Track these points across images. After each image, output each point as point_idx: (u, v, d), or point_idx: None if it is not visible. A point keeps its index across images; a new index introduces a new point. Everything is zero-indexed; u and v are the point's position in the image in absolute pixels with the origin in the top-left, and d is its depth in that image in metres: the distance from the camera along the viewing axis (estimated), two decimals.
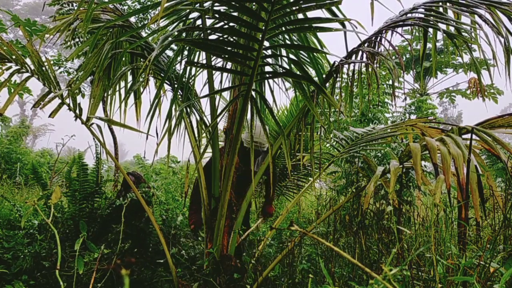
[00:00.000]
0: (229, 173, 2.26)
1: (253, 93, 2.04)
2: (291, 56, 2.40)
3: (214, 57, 2.60)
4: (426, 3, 2.05)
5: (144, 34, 3.45)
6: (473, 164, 1.43)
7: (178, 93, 2.64)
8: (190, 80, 2.47)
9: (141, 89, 2.86)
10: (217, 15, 2.04)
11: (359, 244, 1.84)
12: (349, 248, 2.17)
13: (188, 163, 2.51)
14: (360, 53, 2.12)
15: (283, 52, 2.67)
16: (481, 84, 1.95)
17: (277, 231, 2.77)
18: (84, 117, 2.39)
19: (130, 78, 2.96)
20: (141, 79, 2.78)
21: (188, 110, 2.67)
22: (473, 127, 1.59)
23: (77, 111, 2.39)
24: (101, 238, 2.71)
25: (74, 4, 4.19)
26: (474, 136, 1.56)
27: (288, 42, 2.55)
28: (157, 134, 2.26)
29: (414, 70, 12.41)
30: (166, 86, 2.79)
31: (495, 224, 1.66)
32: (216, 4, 2.00)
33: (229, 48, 2.07)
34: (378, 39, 2.07)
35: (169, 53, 3.79)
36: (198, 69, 2.61)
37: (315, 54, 2.45)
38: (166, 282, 2.60)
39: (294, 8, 1.81)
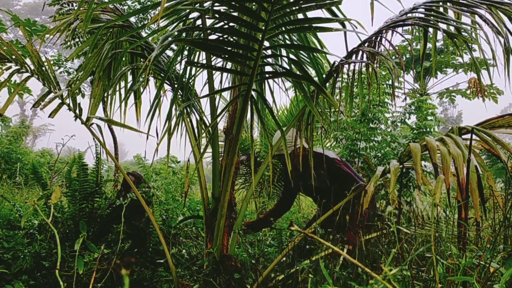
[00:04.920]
0: (229, 173, 2.26)
1: (253, 93, 2.04)
2: (291, 56, 2.40)
3: (214, 57, 2.61)
4: (426, 3, 2.05)
5: (144, 34, 3.45)
6: (473, 164, 1.42)
7: (178, 93, 2.64)
8: (190, 80, 2.47)
9: (141, 89, 2.86)
10: (217, 15, 2.04)
11: (359, 244, 1.84)
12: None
13: (188, 163, 2.51)
14: (360, 53, 2.12)
15: (283, 52, 2.67)
16: (481, 84, 1.95)
17: (277, 231, 2.77)
18: (84, 117, 2.39)
19: (130, 78, 2.96)
20: (141, 79, 2.78)
21: (188, 110, 2.67)
22: (473, 127, 1.59)
23: (77, 111, 2.39)
24: (101, 238, 2.71)
25: (74, 4, 4.19)
26: (474, 136, 1.56)
27: (288, 42, 2.55)
28: (157, 134, 2.27)
29: (414, 70, 12.41)
30: (166, 86, 2.79)
31: (495, 224, 1.66)
32: (216, 4, 2.00)
33: (229, 48, 2.07)
34: (378, 39, 2.07)
35: (169, 53, 3.79)
36: (198, 69, 2.61)
37: (315, 54, 2.45)
38: (166, 282, 2.60)
39: (294, 8, 1.81)
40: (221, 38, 2.39)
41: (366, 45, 2.12)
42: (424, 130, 5.06)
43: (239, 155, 5.46)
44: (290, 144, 2.70)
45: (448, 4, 1.99)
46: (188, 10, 2.12)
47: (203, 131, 2.70)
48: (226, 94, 3.86)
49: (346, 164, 2.73)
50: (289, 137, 2.71)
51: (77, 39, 4.64)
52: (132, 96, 2.80)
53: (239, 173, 6.00)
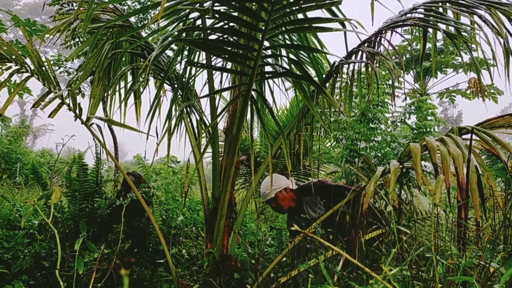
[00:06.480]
0: (229, 173, 2.26)
1: (253, 93, 2.04)
2: (291, 56, 2.40)
3: (214, 57, 2.61)
4: (426, 3, 2.05)
5: (144, 34, 3.45)
6: (473, 164, 1.42)
7: (178, 93, 2.64)
8: (190, 80, 2.47)
9: (141, 89, 2.86)
10: (217, 15, 2.04)
11: (359, 244, 1.84)
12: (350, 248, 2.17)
13: (188, 163, 2.51)
14: (360, 53, 2.12)
15: (283, 52, 2.67)
16: (481, 84, 1.95)
17: (277, 232, 2.78)
18: (84, 117, 2.39)
19: (130, 78, 2.96)
20: (141, 79, 2.78)
21: (188, 110, 2.67)
22: (473, 127, 1.59)
23: (77, 111, 2.39)
24: (101, 238, 2.71)
25: (74, 4, 4.19)
26: (474, 136, 1.56)
27: (288, 42, 2.56)
28: (157, 134, 2.26)
29: (414, 70, 12.41)
30: (166, 86, 2.79)
31: (495, 224, 1.66)
32: (216, 4, 2.00)
33: (229, 48, 2.07)
34: (378, 39, 2.07)
35: (169, 53, 3.79)
36: (198, 69, 2.61)
37: (315, 54, 2.45)
38: (166, 282, 2.60)
39: (294, 8, 1.81)
40: (221, 38, 2.39)
41: (366, 45, 2.12)
42: (424, 130, 5.06)
43: (239, 155, 5.46)
44: (270, 190, 2.60)
45: (448, 4, 1.99)
46: (188, 10, 2.12)
47: (203, 131, 2.70)
48: (226, 94, 3.87)
49: (333, 182, 2.76)
50: (266, 184, 2.63)
51: (77, 39, 4.65)
52: (132, 96, 2.80)
53: (239, 173, 6.00)
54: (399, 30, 2.01)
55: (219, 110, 2.37)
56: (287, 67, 2.51)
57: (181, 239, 3.06)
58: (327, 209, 2.46)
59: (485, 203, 1.52)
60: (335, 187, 2.56)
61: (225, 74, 2.81)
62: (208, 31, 2.21)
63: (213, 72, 2.50)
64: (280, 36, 2.50)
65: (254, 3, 2.05)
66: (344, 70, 2.15)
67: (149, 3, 5.91)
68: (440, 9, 2.01)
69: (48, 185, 3.32)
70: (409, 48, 11.29)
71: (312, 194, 2.61)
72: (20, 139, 9.70)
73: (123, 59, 2.83)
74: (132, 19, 5.36)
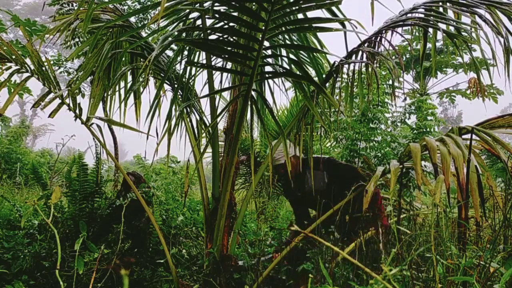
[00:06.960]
0: (229, 173, 2.26)
1: (253, 93, 2.04)
2: (291, 56, 2.40)
3: (214, 57, 2.61)
4: (426, 3, 2.05)
5: (144, 34, 3.45)
6: (473, 164, 1.42)
7: (178, 93, 2.64)
8: (190, 80, 2.47)
9: (141, 89, 2.86)
10: (217, 15, 2.04)
11: (359, 244, 1.84)
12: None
13: (188, 163, 2.51)
14: (360, 53, 2.12)
15: (283, 52, 2.67)
16: (481, 84, 1.95)
17: (277, 231, 2.78)
18: (84, 117, 2.39)
19: (130, 78, 2.96)
20: (141, 79, 2.78)
21: (188, 110, 2.67)
22: (473, 127, 1.59)
23: (77, 111, 2.39)
24: (101, 238, 2.71)
25: (74, 4, 4.19)
26: (474, 136, 1.56)
27: (288, 42, 2.56)
28: (157, 134, 2.27)
29: (414, 70, 12.41)
30: (166, 86, 2.79)
31: (495, 224, 1.66)
32: (216, 4, 2.00)
33: (229, 48, 2.07)
34: (378, 39, 2.07)
35: (169, 53, 3.78)
36: (198, 69, 2.61)
37: (315, 54, 2.45)
38: (166, 282, 2.60)
39: (294, 8, 1.81)
40: (221, 38, 2.39)
41: (366, 45, 2.12)
42: (424, 130, 5.06)
43: (239, 155, 5.46)
44: (281, 155, 2.62)
45: (448, 4, 1.99)
46: (188, 10, 2.12)
47: (203, 131, 2.70)
48: (226, 94, 3.87)
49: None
50: (279, 150, 2.62)
51: (77, 39, 4.65)
52: (132, 96, 2.80)
53: (239, 173, 6.00)
54: (399, 30, 2.01)
55: (219, 110, 2.37)
56: (287, 67, 2.51)
57: (181, 239, 3.06)
58: (329, 188, 2.44)
59: (485, 203, 1.52)
60: (345, 167, 2.54)
61: (225, 74, 2.81)
62: (208, 31, 2.21)
63: (213, 72, 2.49)
64: (280, 36, 2.50)
65: (254, 3, 2.05)
66: (344, 70, 2.15)
67: (149, 3, 5.91)
68: (441, 9, 2.01)
69: (48, 185, 3.32)
70: (409, 48, 11.29)
71: (318, 169, 2.57)
72: (20, 139, 9.70)
73: (123, 59, 2.83)
74: (132, 19, 5.36)
